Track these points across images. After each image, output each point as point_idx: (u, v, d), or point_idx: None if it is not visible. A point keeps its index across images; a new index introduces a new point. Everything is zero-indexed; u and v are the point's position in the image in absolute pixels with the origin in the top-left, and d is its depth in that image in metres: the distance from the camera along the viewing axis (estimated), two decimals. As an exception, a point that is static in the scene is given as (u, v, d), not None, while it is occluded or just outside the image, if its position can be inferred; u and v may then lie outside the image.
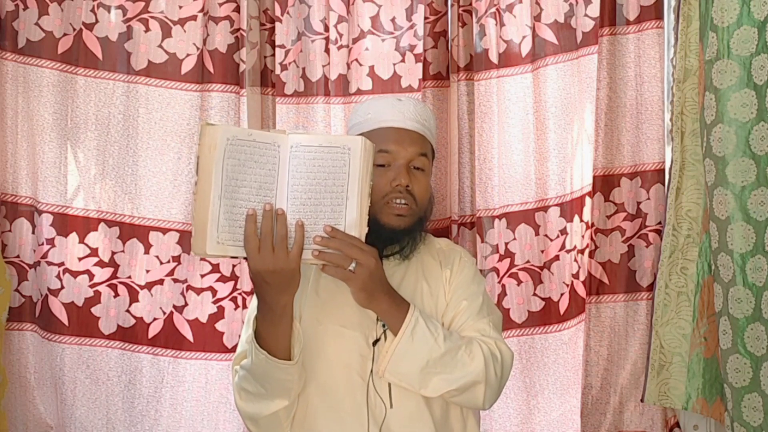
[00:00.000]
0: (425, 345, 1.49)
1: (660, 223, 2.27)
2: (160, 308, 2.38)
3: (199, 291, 2.37)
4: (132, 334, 2.37)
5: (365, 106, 1.70)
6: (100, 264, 2.37)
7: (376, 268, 1.44)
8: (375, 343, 1.55)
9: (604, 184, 2.31)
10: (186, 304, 2.37)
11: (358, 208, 1.41)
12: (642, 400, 2.26)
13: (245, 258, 1.38)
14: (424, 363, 1.49)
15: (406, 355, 1.50)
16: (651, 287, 2.28)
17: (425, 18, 2.36)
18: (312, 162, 1.40)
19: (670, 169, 2.24)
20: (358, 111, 1.71)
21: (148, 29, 2.38)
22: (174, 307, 2.38)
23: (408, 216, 1.59)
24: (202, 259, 2.37)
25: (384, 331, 1.54)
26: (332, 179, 1.40)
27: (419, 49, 2.38)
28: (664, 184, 2.27)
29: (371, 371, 1.54)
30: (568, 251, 2.34)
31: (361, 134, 1.54)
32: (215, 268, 2.38)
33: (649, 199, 2.29)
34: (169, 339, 2.37)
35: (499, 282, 2.35)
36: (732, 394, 2.04)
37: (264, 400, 1.51)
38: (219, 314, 2.37)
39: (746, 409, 2.01)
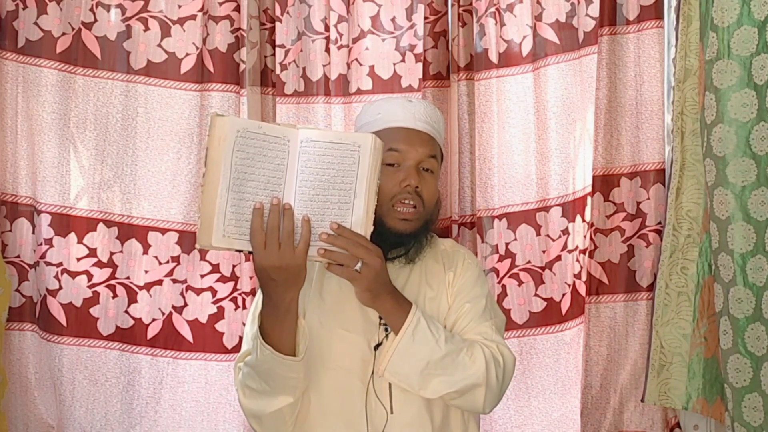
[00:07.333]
0: (426, 346, 1.47)
1: (660, 223, 2.27)
2: (159, 309, 2.37)
3: (198, 291, 2.37)
4: (131, 335, 2.37)
5: (375, 105, 1.66)
6: (99, 264, 2.37)
7: (381, 269, 1.43)
8: (377, 347, 1.52)
9: (604, 183, 2.31)
10: (185, 305, 2.37)
11: (365, 207, 1.39)
12: (642, 400, 2.26)
13: (250, 252, 1.36)
14: (425, 364, 1.47)
15: (407, 354, 1.48)
16: (651, 287, 2.28)
17: (425, 18, 2.36)
18: (321, 158, 1.37)
19: (671, 169, 2.24)
20: (368, 110, 1.67)
21: (147, 28, 2.38)
22: (173, 307, 2.37)
23: (414, 220, 1.56)
24: (202, 259, 2.37)
25: (386, 335, 1.52)
26: (341, 176, 1.38)
27: (419, 49, 2.38)
28: (664, 184, 2.27)
29: (372, 374, 1.52)
30: (570, 251, 2.34)
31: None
32: (215, 269, 2.37)
33: (649, 199, 2.29)
34: (169, 340, 2.36)
35: (499, 282, 2.34)
36: (732, 394, 2.04)
37: (268, 397, 1.48)
38: (219, 315, 2.36)
39: (746, 409, 2.01)
